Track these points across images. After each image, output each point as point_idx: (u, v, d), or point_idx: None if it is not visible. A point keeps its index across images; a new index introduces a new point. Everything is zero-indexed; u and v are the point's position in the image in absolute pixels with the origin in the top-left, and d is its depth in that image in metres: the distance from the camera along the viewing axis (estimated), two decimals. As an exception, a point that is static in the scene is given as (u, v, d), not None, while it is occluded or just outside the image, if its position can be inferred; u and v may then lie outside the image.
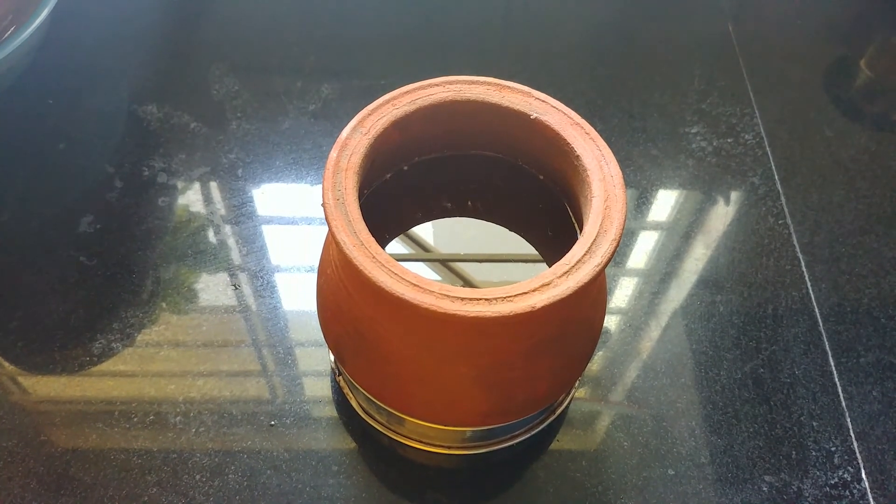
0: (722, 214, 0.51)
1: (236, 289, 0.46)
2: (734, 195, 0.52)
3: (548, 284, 0.30)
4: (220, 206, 0.50)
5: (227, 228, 0.49)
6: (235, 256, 0.48)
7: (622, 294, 0.47)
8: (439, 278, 0.37)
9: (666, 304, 0.47)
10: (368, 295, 0.32)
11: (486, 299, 0.29)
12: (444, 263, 0.38)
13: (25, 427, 0.41)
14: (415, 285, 0.29)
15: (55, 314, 0.45)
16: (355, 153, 0.33)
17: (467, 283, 0.38)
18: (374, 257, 0.30)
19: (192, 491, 0.39)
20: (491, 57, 0.60)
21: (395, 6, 0.62)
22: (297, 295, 0.46)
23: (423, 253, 0.38)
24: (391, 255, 0.38)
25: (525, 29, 0.62)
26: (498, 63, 0.60)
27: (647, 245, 0.50)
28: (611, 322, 0.46)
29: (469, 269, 0.38)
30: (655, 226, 0.51)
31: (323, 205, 0.31)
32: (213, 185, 0.51)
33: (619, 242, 0.31)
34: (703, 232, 0.50)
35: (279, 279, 0.47)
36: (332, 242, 0.32)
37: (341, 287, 0.34)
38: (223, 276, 0.47)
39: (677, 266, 0.48)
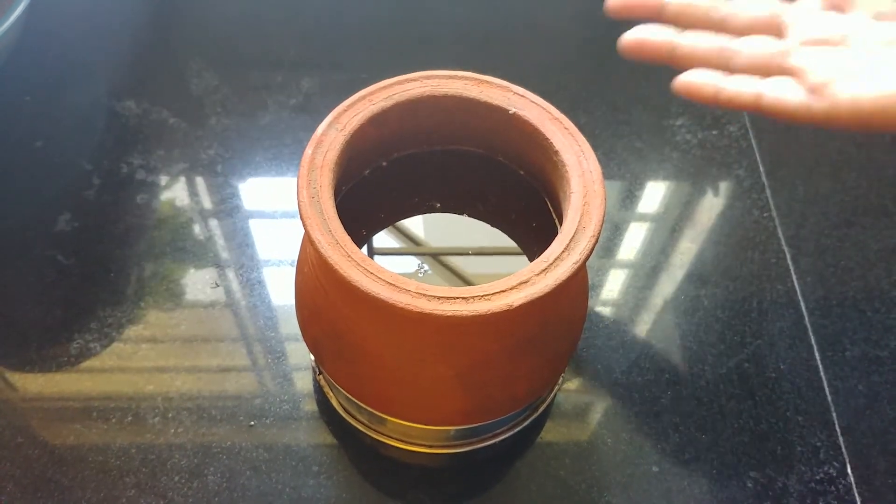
0: (707, 208, 0.50)
1: (216, 287, 0.45)
2: (719, 188, 0.51)
3: (526, 282, 0.29)
4: (199, 203, 0.49)
5: (207, 225, 0.48)
6: (215, 254, 0.47)
7: (607, 289, 0.47)
8: (430, 271, 0.37)
9: (650, 299, 0.46)
10: (345, 294, 0.32)
11: (462, 298, 0.29)
12: (435, 257, 0.38)
13: (1, 429, 0.40)
14: (391, 284, 0.29)
15: (32, 314, 0.44)
16: (331, 150, 0.32)
17: (459, 276, 0.37)
18: (349, 256, 0.30)
19: (171, 492, 0.39)
20: (474, 50, 0.59)
21: (377, -2, 0.61)
22: (278, 292, 0.46)
23: (413, 247, 0.38)
24: (380, 248, 0.38)
25: (508, 21, 0.61)
26: (481, 56, 0.59)
27: (631, 239, 0.49)
28: (595, 317, 0.46)
29: (461, 262, 0.37)
30: (640, 219, 0.50)
31: (297, 203, 0.31)
32: (193, 181, 0.50)
33: (597, 239, 0.31)
34: (688, 225, 0.50)
35: (258, 276, 0.46)
36: (308, 241, 0.31)
37: (318, 286, 0.33)
38: (201, 274, 0.46)
39: (662, 260, 0.48)
